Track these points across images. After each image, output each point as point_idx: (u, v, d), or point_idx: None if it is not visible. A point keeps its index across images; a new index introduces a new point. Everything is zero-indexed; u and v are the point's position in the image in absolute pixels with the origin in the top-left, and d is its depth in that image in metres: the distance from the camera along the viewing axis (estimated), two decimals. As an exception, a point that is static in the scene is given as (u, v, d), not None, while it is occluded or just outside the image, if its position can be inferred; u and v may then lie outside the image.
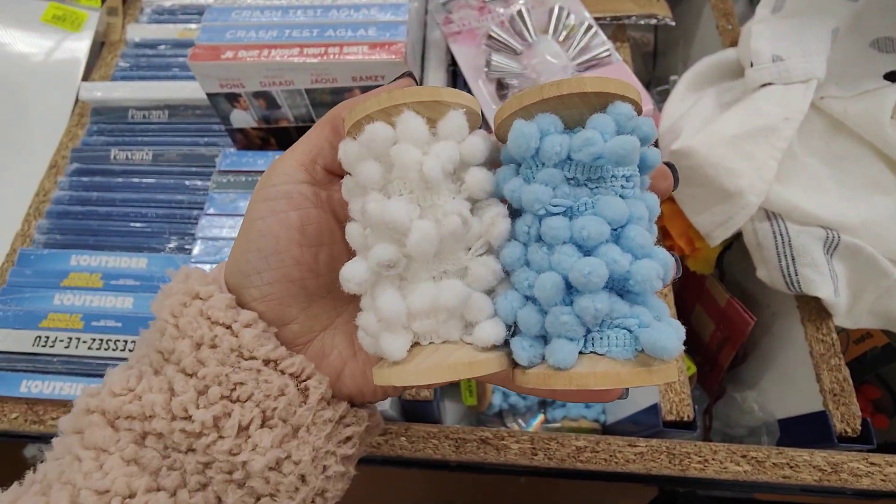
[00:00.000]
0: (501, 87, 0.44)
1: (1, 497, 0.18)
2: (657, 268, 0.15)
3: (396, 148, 0.16)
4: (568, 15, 0.47)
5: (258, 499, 0.18)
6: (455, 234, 0.16)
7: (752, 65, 0.39)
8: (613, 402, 0.45)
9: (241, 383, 0.18)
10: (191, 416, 0.17)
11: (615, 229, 0.16)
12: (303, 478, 0.18)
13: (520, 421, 0.48)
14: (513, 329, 0.17)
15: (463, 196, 0.17)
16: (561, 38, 0.47)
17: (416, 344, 0.17)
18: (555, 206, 0.16)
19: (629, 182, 0.16)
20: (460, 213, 0.16)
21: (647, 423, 0.36)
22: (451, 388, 0.50)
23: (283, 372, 0.18)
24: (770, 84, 0.38)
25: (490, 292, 0.17)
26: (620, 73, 0.44)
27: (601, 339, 0.16)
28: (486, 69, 0.45)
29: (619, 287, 0.16)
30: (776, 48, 0.39)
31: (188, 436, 0.17)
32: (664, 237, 0.40)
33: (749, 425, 0.41)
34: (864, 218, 0.36)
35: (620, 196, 0.16)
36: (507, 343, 0.17)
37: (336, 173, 0.20)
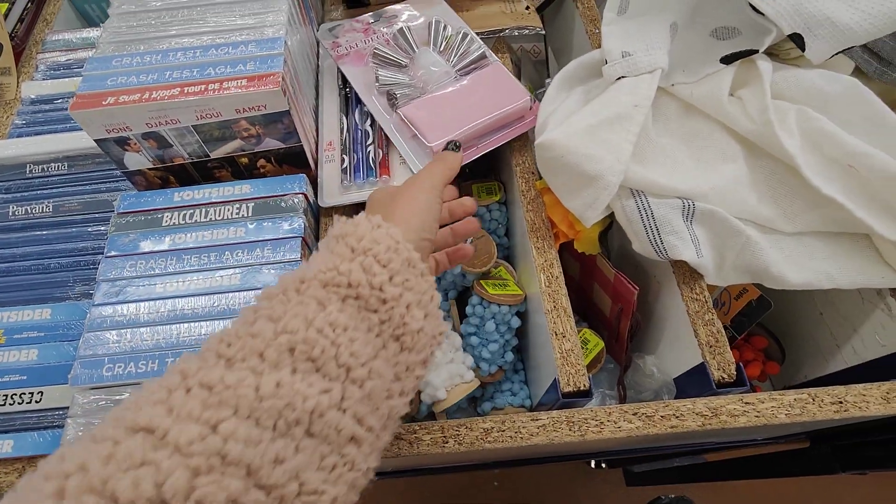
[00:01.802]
0: (391, 97, 0.47)
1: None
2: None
3: None
4: (445, 27, 0.51)
5: (401, 350, 0.27)
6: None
7: (606, 62, 0.44)
8: (536, 386, 0.47)
9: (408, 279, 0.27)
10: (383, 289, 0.26)
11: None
12: (429, 343, 0.28)
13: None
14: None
15: None
16: (441, 49, 0.50)
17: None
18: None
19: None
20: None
21: (554, 399, 0.39)
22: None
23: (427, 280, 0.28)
24: (623, 77, 0.43)
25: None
26: (498, 72, 0.48)
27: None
28: (376, 84, 0.48)
29: None
30: (624, 45, 0.43)
31: (379, 301, 0.26)
32: (550, 225, 0.43)
33: (652, 388, 0.44)
34: (713, 185, 0.40)
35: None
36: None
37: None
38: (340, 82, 0.51)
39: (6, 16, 0.56)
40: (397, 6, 0.54)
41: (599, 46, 0.54)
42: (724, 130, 0.43)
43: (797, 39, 0.40)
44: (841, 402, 0.36)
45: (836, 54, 0.41)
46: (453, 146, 0.38)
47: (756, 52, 0.42)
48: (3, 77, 0.54)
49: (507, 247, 0.53)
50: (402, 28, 0.52)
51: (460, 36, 0.51)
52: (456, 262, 0.38)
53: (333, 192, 0.44)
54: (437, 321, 0.29)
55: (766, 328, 0.50)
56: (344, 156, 0.45)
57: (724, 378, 0.37)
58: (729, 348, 0.38)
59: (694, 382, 0.39)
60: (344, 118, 0.48)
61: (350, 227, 0.28)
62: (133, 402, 0.21)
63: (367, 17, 0.54)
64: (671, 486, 0.90)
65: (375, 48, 0.50)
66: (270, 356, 0.22)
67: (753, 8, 0.40)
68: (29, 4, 0.59)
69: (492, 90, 0.47)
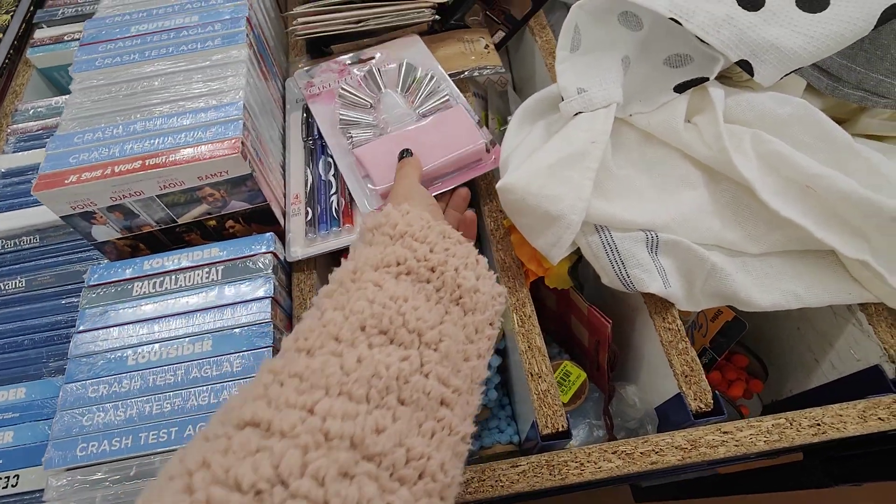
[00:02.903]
0: (348, 137, 0.48)
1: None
2: None
3: None
4: (415, 68, 0.52)
5: (465, 313, 0.28)
6: None
7: (562, 98, 0.44)
8: (523, 421, 0.47)
9: (448, 247, 0.30)
10: (428, 258, 0.29)
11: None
12: (489, 303, 0.30)
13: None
14: None
15: None
16: (408, 89, 0.51)
17: None
18: None
19: None
20: None
21: (536, 436, 0.38)
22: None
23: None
24: (580, 113, 0.43)
25: None
26: (458, 114, 0.49)
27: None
28: (338, 124, 0.49)
29: None
30: (579, 82, 0.44)
31: (428, 270, 0.28)
32: (520, 263, 0.43)
33: (637, 417, 0.44)
34: (675, 214, 0.40)
35: None
36: None
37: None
38: (304, 134, 0.52)
39: (-25, 91, 0.57)
40: (376, 48, 0.55)
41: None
42: (683, 157, 0.44)
43: (745, 65, 0.41)
44: (819, 425, 0.36)
45: (786, 75, 0.42)
46: (406, 153, 0.43)
47: (707, 79, 0.43)
48: (-27, 152, 0.54)
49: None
50: (371, 69, 0.53)
51: (428, 77, 0.52)
52: (471, 234, 0.41)
53: (300, 245, 0.44)
54: (490, 281, 0.31)
55: (747, 346, 0.50)
56: (308, 208, 0.46)
57: (701, 408, 0.37)
58: (704, 377, 0.38)
59: (674, 411, 0.39)
60: (308, 170, 0.49)
61: (382, 218, 0.31)
62: (235, 403, 0.23)
63: (346, 58, 0.55)
64: (680, 502, 0.89)
65: (342, 87, 0.51)
66: (345, 336, 0.24)
67: (700, 39, 0.41)
68: (-2, 77, 0.60)
69: (449, 132, 0.47)
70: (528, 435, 0.43)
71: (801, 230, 0.39)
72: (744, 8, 0.42)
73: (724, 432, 0.36)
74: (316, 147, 0.50)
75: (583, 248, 0.41)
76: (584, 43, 0.46)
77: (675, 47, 0.46)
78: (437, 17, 0.55)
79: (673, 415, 0.39)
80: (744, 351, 0.50)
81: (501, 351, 0.48)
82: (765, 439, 0.35)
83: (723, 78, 0.46)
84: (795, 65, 0.41)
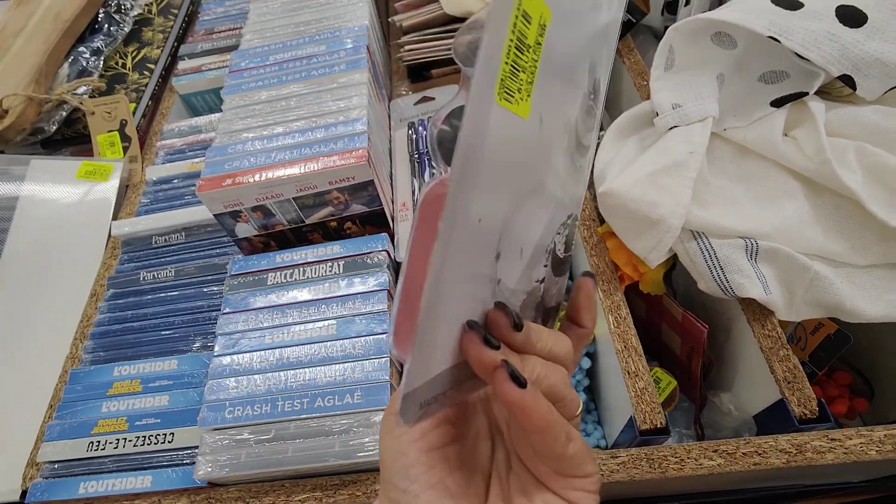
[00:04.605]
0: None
1: None
2: None
3: None
4: None
5: None
6: None
7: (657, 114, 0.47)
8: (610, 427, 0.48)
9: None
10: None
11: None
12: None
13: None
14: None
15: None
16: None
17: None
18: None
19: None
20: None
21: (630, 437, 0.40)
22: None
23: None
24: (675, 126, 0.46)
25: None
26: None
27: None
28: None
29: None
30: (674, 98, 0.46)
31: None
32: (614, 268, 0.45)
33: (732, 426, 0.44)
34: (775, 223, 0.41)
35: None
36: None
37: None
38: (410, 148, 0.57)
39: (133, 113, 0.67)
40: None
41: (648, 97, 0.57)
42: (780, 169, 0.45)
43: (847, 80, 0.42)
44: (937, 438, 0.35)
45: (891, 89, 0.42)
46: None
47: (806, 94, 0.44)
48: (132, 164, 0.64)
49: (570, 289, 0.55)
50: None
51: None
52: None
53: (405, 247, 0.49)
54: None
55: (850, 363, 0.49)
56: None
57: (805, 414, 0.37)
58: (808, 384, 0.38)
59: (774, 419, 0.39)
60: (414, 181, 0.54)
61: None
62: None
63: None
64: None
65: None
66: None
67: (799, 55, 0.42)
68: (149, 102, 0.70)
69: None
70: (619, 439, 0.44)
71: (912, 241, 0.38)
72: (845, 25, 0.43)
73: (833, 439, 0.36)
74: (421, 161, 0.55)
75: (679, 255, 0.42)
76: (678, 62, 0.49)
77: (771, 64, 0.47)
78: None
79: (773, 422, 0.39)
80: (846, 367, 0.49)
81: (591, 354, 0.50)
82: (876, 448, 0.35)
83: (822, 93, 0.46)
84: (902, 78, 0.41)
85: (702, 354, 0.44)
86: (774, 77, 0.47)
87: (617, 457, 0.37)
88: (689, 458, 0.36)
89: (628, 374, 0.40)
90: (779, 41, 0.42)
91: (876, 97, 0.42)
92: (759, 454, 0.36)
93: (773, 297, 0.40)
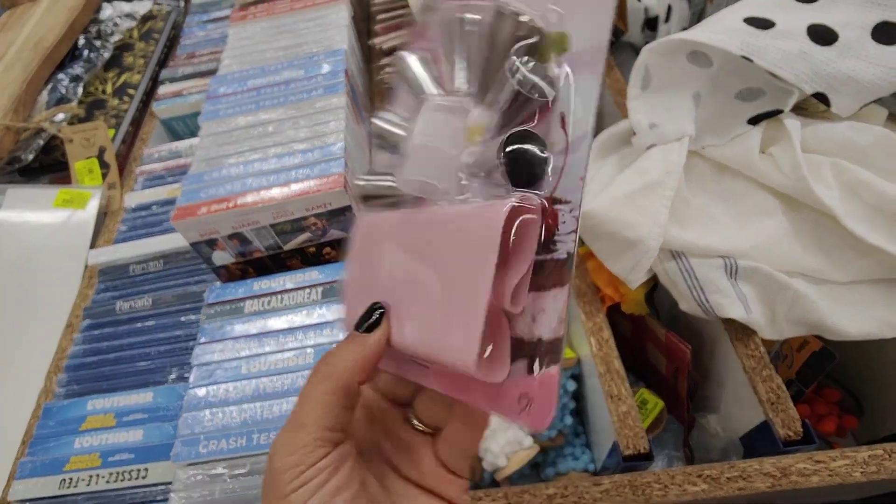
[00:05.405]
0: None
1: None
2: None
3: None
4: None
5: None
6: None
7: (634, 134, 0.47)
8: (598, 450, 0.47)
9: None
10: None
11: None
12: None
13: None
14: None
15: None
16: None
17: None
18: None
19: None
20: None
21: (615, 462, 0.39)
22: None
23: None
24: (653, 146, 0.46)
25: None
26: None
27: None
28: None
29: None
30: (651, 117, 0.46)
31: None
32: (596, 289, 0.45)
33: (720, 447, 0.44)
34: (754, 242, 0.41)
35: None
36: None
37: None
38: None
39: (113, 139, 0.67)
40: None
41: (626, 116, 0.57)
42: (759, 186, 0.45)
43: (821, 97, 0.42)
44: (923, 459, 0.34)
45: (865, 106, 0.42)
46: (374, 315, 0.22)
47: (782, 111, 0.44)
48: (111, 190, 0.63)
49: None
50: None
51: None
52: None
53: (391, 271, 0.48)
54: None
55: (838, 381, 0.48)
56: (399, 238, 0.50)
57: (790, 436, 0.37)
58: (792, 405, 0.37)
59: (761, 441, 0.39)
60: (397, 202, 0.53)
61: None
62: None
63: None
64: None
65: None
66: None
67: (772, 74, 0.43)
68: (129, 128, 0.70)
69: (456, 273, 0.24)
70: (605, 463, 0.44)
71: (891, 257, 0.38)
72: (817, 43, 0.43)
73: (817, 461, 0.35)
74: (401, 182, 0.55)
75: (659, 275, 0.42)
76: (654, 81, 0.49)
77: (747, 82, 0.48)
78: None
79: (759, 444, 0.39)
80: (834, 384, 0.48)
81: (577, 376, 0.49)
82: (861, 470, 0.34)
83: (798, 109, 0.46)
84: (873, 95, 0.41)
85: (686, 375, 0.43)
86: (751, 95, 0.48)
87: (600, 484, 0.36)
88: (672, 483, 0.35)
89: (611, 397, 0.40)
90: (752, 61, 0.42)
91: (850, 114, 0.42)
92: (744, 478, 0.35)
93: (755, 317, 0.40)
